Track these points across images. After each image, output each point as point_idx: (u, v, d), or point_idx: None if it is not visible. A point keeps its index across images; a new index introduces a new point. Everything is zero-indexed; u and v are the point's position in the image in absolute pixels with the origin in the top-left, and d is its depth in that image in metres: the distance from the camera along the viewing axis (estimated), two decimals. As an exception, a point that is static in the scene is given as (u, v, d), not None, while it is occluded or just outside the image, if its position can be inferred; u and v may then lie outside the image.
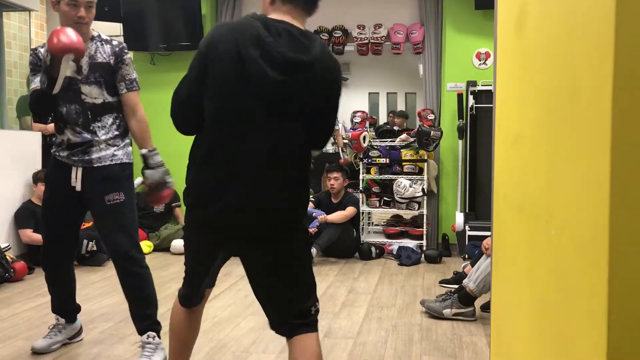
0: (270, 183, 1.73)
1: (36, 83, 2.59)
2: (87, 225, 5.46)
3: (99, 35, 2.70)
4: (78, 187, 2.66)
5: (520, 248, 1.25)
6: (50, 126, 5.47)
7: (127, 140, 2.79)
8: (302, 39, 1.72)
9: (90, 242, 5.02)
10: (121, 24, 6.13)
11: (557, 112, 0.96)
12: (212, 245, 1.86)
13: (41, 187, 4.98)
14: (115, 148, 2.68)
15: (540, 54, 1.09)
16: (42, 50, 2.67)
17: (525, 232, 1.19)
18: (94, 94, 2.64)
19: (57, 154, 2.71)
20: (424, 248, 5.66)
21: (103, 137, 2.65)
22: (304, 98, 1.73)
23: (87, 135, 2.64)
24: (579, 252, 0.83)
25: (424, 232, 5.77)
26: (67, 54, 2.35)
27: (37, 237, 4.91)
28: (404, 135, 5.92)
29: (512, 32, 1.40)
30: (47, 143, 5.42)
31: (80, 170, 2.65)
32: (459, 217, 5.57)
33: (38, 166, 5.21)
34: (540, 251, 1.06)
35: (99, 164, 2.65)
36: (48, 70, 2.45)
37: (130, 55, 2.73)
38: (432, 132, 5.55)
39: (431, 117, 5.72)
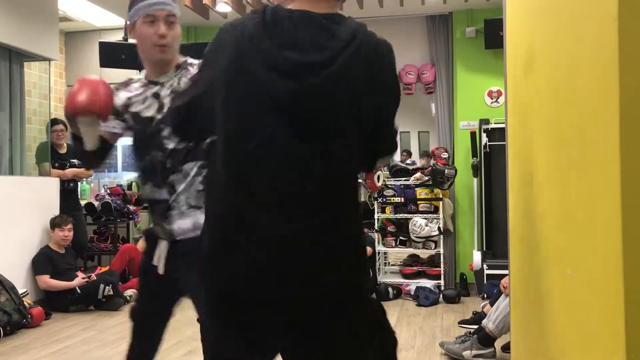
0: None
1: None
2: (103, 269, 5.49)
3: (186, 61, 2.06)
4: (160, 269, 2.00)
5: (536, 288, 1.24)
6: (68, 171, 5.57)
7: None
8: (328, 24, 1.28)
9: (107, 287, 5.02)
10: (138, 71, 6.27)
11: (566, 151, 0.97)
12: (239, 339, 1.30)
13: (58, 233, 5.03)
14: (198, 212, 1.96)
15: (547, 94, 1.10)
16: None
17: (541, 271, 1.18)
18: None
19: (152, 223, 2.15)
20: (442, 288, 5.59)
21: (182, 194, 1.98)
22: (342, 103, 1.27)
23: (165, 192, 2.00)
24: (594, 292, 0.83)
25: (442, 272, 5.71)
26: (79, 118, 1.93)
27: (54, 283, 4.93)
28: (418, 174, 5.93)
29: (520, 72, 1.42)
30: (64, 189, 5.50)
31: (165, 246, 2.01)
32: (477, 256, 5.52)
33: (55, 211, 5.27)
34: (556, 291, 1.05)
35: (182, 237, 1.98)
36: (73, 129, 2.02)
37: None
38: (446, 170, 5.55)
39: (445, 155, 5.72)
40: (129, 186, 7.02)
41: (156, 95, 2.01)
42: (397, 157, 12.55)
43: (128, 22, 2.04)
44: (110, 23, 7.06)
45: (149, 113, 2.01)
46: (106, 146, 2.09)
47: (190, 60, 2.07)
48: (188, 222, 1.96)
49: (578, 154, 0.90)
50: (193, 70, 2.01)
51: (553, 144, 1.08)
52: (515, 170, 1.52)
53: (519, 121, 1.48)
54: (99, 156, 2.09)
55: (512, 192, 1.59)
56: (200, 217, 1.79)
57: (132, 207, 6.47)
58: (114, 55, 6.05)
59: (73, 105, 1.89)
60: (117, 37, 7.06)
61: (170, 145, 1.96)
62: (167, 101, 1.98)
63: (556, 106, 1.03)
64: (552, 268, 1.07)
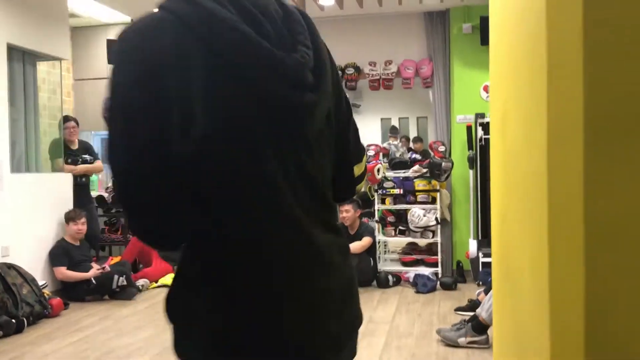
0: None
1: None
2: (116, 259, 5.75)
3: None
4: None
5: (509, 276, 1.30)
6: (80, 167, 5.80)
7: None
8: (293, 15, 1.03)
9: (121, 277, 5.28)
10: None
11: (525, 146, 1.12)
12: None
13: (73, 226, 5.27)
14: None
15: (517, 92, 1.23)
16: None
17: (510, 262, 1.29)
18: None
19: None
20: (439, 275, 5.85)
21: None
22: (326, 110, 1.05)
23: None
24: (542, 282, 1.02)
25: (439, 260, 5.97)
26: None
27: (71, 274, 5.19)
28: (416, 167, 6.16)
29: (501, 70, 1.38)
30: (77, 183, 5.73)
31: None
32: (472, 245, 5.78)
33: (69, 206, 5.51)
34: (523, 280, 1.12)
35: None
36: None
37: None
38: (443, 163, 5.79)
39: (442, 148, 5.96)
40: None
41: None
42: (397, 142, 12.79)
43: None
44: (116, 19, 7.21)
45: None
46: None
47: None
48: None
49: (528, 149, 1.04)
50: None
51: (518, 136, 1.14)
52: (495, 165, 1.62)
53: (499, 115, 1.48)
54: None
55: (493, 185, 1.71)
56: None
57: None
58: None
59: None
60: (122, 32, 7.23)
61: None
62: None
63: (525, 105, 1.03)
64: (516, 258, 1.21)
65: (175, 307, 0.98)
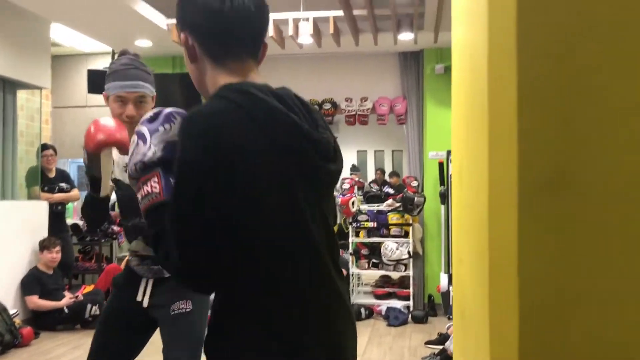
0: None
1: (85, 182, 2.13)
2: (89, 288, 5.73)
3: None
4: (145, 303, 2.13)
5: (464, 307, 1.44)
6: (57, 195, 5.81)
7: None
8: (309, 104, 1.25)
9: (94, 306, 5.27)
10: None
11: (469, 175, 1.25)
12: None
13: (47, 255, 5.27)
14: None
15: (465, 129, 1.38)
16: None
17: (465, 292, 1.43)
18: None
19: (129, 259, 2.24)
20: (411, 309, 5.95)
21: None
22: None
23: None
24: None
25: (411, 293, 6.07)
26: (106, 150, 1.94)
27: (43, 303, 5.16)
28: (390, 201, 6.30)
29: (457, 108, 1.49)
30: (53, 211, 5.74)
31: (150, 282, 2.14)
32: (444, 278, 5.90)
33: (44, 234, 5.50)
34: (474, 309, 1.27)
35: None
36: (89, 171, 2.00)
37: None
38: (415, 198, 5.94)
39: (414, 183, 6.12)
40: (113, 207, 7.25)
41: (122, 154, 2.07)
42: (371, 175, 12.98)
43: (105, 92, 2.10)
44: (97, 49, 7.31)
45: (117, 174, 2.12)
46: (107, 201, 2.11)
47: None
48: None
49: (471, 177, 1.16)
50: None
51: (467, 167, 1.31)
52: (454, 208, 1.73)
53: (457, 164, 1.63)
54: (105, 210, 2.14)
55: (453, 225, 1.81)
56: None
57: (116, 228, 6.71)
58: (101, 82, 6.29)
59: (97, 137, 1.88)
60: (103, 62, 7.33)
61: None
62: None
63: (473, 161, 1.10)
64: (468, 300, 1.32)
65: (221, 350, 1.14)
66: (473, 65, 1.12)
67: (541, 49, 0.84)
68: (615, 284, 0.84)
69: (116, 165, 2.13)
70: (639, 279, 0.85)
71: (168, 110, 1.19)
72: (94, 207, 2.09)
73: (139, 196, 1.15)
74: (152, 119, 1.18)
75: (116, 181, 2.14)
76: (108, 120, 1.93)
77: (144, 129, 1.17)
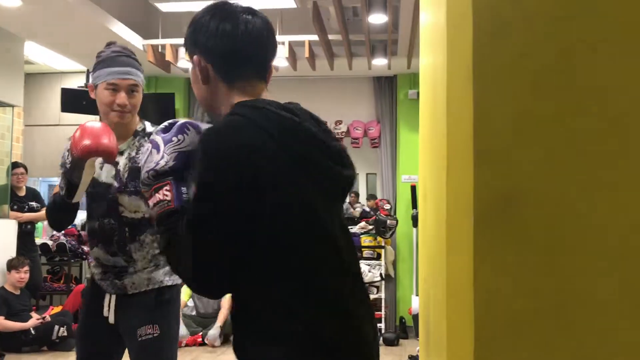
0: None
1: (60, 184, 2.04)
2: (57, 309, 5.63)
3: (144, 129, 2.07)
4: (111, 319, 2.07)
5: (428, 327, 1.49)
6: (26, 215, 5.73)
7: None
8: (314, 115, 1.32)
9: (62, 328, 5.17)
10: (98, 117, 6.50)
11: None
12: None
13: (15, 275, 5.17)
14: (152, 269, 2.06)
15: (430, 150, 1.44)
16: None
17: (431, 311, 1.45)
18: (133, 206, 2.01)
19: (93, 272, 2.15)
20: (382, 331, 5.96)
21: (140, 262, 2.04)
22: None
23: (120, 259, 2.04)
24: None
25: (382, 315, 6.09)
26: (91, 159, 1.86)
27: (9, 324, 5.05)
28: (362, 223, 6.34)
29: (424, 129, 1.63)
30: (22, 230, 5.65)
31: (113, 298, 2.07)
32: (415, 301, 5.93)
33: (12, 253, 5.41)
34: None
35: (134, 291, 2.05)
36: (68, 174, 1.91)
37: None
38: (388, 221, 6.00)
39: (387, 206, 6.18)
40: (83, 227, 7.16)
41: (115, 163, 2.01)
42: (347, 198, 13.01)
43: (90, 83, 2.02)
44: (71, 67, 7.28)
45: (106, 179, 2.03)
46: (77, 206, 2.05)
47: (149, 128, 2.08)
48: (143, 277, 2.03)
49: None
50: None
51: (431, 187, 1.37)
52: (420, 229, 1.78)
53: (422, 186, 1.70)
54: (73, 214, 2.07)
55: (420, 237, 1.85)
56: (155, 274, 2.03)
57: (86, 248, 6.62)
58: (75, 100, 6.27)
59: (85, 144, 1.81)
60: (77, 81, 7.29)
61: (127, 214, 2.01)
62: (123, 169, 2.01)
63: (434, 188, 1.14)
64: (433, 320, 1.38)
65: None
66: (435, 91, 1.18)
67: (496, 75, 0.90)
68: (566, 299, 0.89)
69: (97, 166, 2.02)
70: (590, 294, 0.89)
71: (182, 121, 1.23)
72: (64, 210, 2.02)
73: (150, 203, 1.20)
74: (166, 129, 1.22)
75: (93, 178, 2.01)
76: (95, 125, 1.85)
77: (158, 139, 1.22)
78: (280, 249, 1.11)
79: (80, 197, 1.97)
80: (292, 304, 1.11)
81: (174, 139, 1.19)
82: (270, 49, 1.29)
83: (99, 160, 2.01)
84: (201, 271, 1.10)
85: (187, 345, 5.43)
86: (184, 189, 1.17)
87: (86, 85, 6.38)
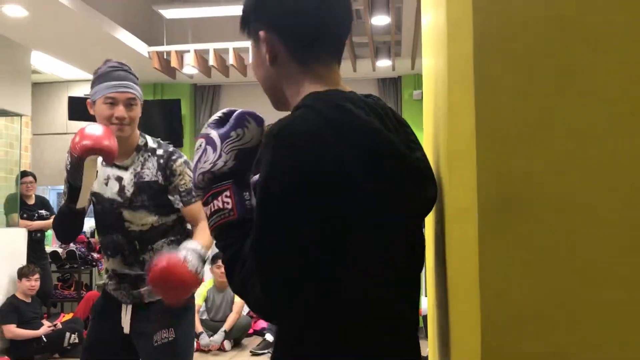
0: None
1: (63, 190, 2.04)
2: (68, 317, 5.66)
3: (146, 144, 2.09)
4: (126, 329, 2.08)
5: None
6: (36, 223, 5.77)
7: None
8: (403, 120, 1.14)
9: (73, 335, 5.20)
10: (105, 124, 6.55)
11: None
12: None
13: (25, 283, 5.20)
14: None
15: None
16: None
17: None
18: (139, 219, 2.03)
19: (106, 284, 2.15)
20: (392, 332, 5.94)
21: None
22: None
23: (136, 269, 2.05)
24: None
25: (392, 317, 6.07)
26: (90, 156, 1.83)
27: (21, 332, 5.09)
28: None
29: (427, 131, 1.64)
30: (32, 239, 5.69)
31: (129, 308, 2.07)
32: (425, 302, 5.92)
33: (23, 261, 5.44)
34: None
35: (150, 299, 2.06)
36: (70, 176, 1.90)
37: (182, 159, 2.07)
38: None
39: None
40: (92, 233, 7.20)
41: (119, 179, 2.04)
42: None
43: (89, 99, 2.03)
44: (77, 75, 7.33)
45: (110, 195, 2.05)
46: (83, 215, 2.03)
47: (150, 143, 2.09)
48: None
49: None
50: (152, 157, 2.03)
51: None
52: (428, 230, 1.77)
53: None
54: (80, 224, 2.05)
55: (427, 237, 1.84)
56: None
57: (95, 255, 6.66)
58: (82, 109, 6.29)
59: (83, 142, 1.80)
60: (83, 89, 7.34)
61: (134, 228, 2.03)
62: (128, 185, 2.03)
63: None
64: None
65: None
66: (437, 91, 1.18)
67: (498, 75, 0.90)
68: (573, 299, 0.89)
69: (97, 178, 2.01)
70: (598, 296, 0.89)
71: (239, 111, 1.05)
72: (69, 219, 1.99)
73: (206, 211, 1.02)
74: (221, 121, 1.04)
75: (95, 194, 2.07)
76: (95, 127, 1.85)
77: (214, 134, 1.02)
78: (356, 276, 0.95)
79: (84, 202, 1.94)
80: (358, 332, 0.97)
81: (233, 134, 1.01)
82: (350, 22, 1.09)
83: (105, 175, 2.05)
84: (270, 296, 0.93)
85: (196, 350, 5.45)
86: (246, 195, 1.00)
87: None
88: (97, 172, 1.97)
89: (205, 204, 1.02)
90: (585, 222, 0.88)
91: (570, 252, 0.89)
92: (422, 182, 1.02)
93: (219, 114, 1.06)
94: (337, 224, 0.91)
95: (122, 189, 2.04)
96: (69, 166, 1.89)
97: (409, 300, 1.05)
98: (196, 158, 1.03)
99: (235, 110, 1.04)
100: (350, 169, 0.91)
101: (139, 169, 2.05)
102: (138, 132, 2.08)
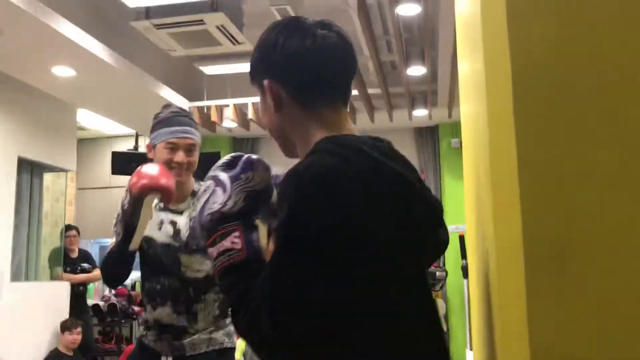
0: None
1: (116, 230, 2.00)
2: None
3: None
4: None
5: None
6: (79, 276, 5.86)
7: (229, 320, 2.08)
8: (408, 161, 1.11)
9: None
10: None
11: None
12: None
13: (68, 336, 5.25)
14: (213, 330, 2.04)
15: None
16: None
17: None
18: (197, 264, 2.00)
19: (144, 335, 2.09)
20: (437, 388, 5.75)
21: (202, 322, 2.02)
22: None
23: (184, 320, 2.01)
24: None
25: (436, 371, 5.88)
26: (150, 195, 1.84)
27: (62, 386, 5.11)
28: (411, 275, 6.22)
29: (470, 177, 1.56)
30: (74, 292, 5.77)
31: None
32: (469, 356, 5.72)
33: (65, 315, 5.51)
34: None
35: (193, 352, 2.01)
36: (126, 216, 1.89)
37: None
38: (437, 272, 5.87)
39: (435, 258, 6.07)
40: (133, 286, 7.26)
41: (173, 223, 2.03)
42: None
43: (149, 143, 2.05)
44: (120, 131, 7.55)
45: (165, 239, 2.02)
46: (133, 257, 2.01)
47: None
48: (203, 338, 2.00)
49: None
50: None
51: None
52: (470, 263, 1.71)
53: (469, 222, 1.66)
54: (130, 266, 2.00)
55: (471, 289, 1.78)
56: (215, 334, 2.01)
57: (136, 308, 6.69)
58: (125, 163, 6.49)
59: (142, 180, 1.81)
60: (126, 145, 7.55)
61: (189, 274, 2.00)
62: (184, 229, 2.01)
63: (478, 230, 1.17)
64: None
65: None
66: (477, 139, 1.16)
67: (538, 118, 0.88)
68: (626, 350, 0.83)
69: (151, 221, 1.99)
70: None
71: (247, 155, 1.07)
72: (120, 260, 1.95)
73: (213, 251, 1.01)
74: (230, 165, 1.05)
75: (148, 238, 2.03)
76: (152, 167, 1.87)
77: (223, 176, 1.03)
78: (370, 314, 0.94)
79: (137, 243, 1.93)
80: None
81: (243, 176, 1.02)
82: (353, 66, 1.10)
83: (158, 219, 2.03)
84: (279, 337, 0.92)
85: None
86: (254, 236, 1.00)
87: (135, 149, 6.60)
88: (151, 212, 1.95)
89: (211, 244, 1.01)
90: (636, 270, 0.84)
91: (623, 299, 0.84)
92: (437, 220, 1.06)
93: (227, 157, 1.07)
94: (357, 257, 0.92)
95: (177, 233, 2.02)
96: (126, 205, 1.88)
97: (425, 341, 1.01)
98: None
99: (242, 155, 1.07)
100: (369, 204, 0.93)
101: (194, 214, 1.99)
102: (193, 178, 2.09)
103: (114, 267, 2.00)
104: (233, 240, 0.99)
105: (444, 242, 1.08)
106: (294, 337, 0.93)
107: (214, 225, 1.01)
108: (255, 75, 1.10)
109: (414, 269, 1.01)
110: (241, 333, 0.98)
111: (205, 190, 1.05)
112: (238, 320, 0.96)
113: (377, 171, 0.96)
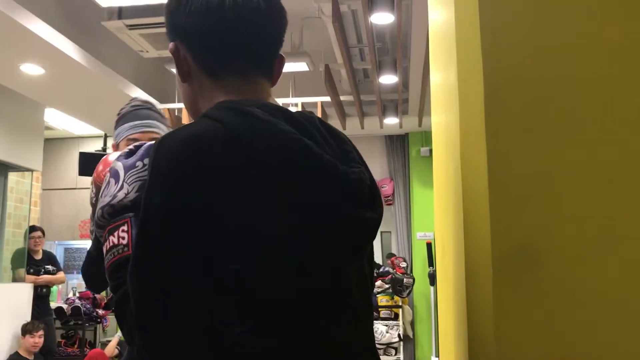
0: None
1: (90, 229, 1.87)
2: None
3: None
4: None
5: None
6: (43, 277, 5.74)
7: None
8: (338, 133, 0.97)
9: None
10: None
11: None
12: None
13: (29, 339, 5.13)
14: None
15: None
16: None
17: None
18: None
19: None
20: (402, 394, 5.79)
21: None
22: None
23: None
24: None
25: (402, 378, 5.93)
26: None
27: (22, 391, 4.99)
28: (378, 282, 6.27)
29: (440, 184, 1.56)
30: (37, 294, 5.64)
31: None
32: (434, 362, 5.78)
33: (27, 317, 5.38)
34: None
35: None
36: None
37: None
38: (404, 279, 5.92)
39: (403, 264, 6.12)
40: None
41: None
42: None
43: (114, 142, 1.93)
44: (88, 132, 7.44)
45: None
46: None
47: None
48: None
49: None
50: None
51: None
52: (439, 270, 1.73)
53: (437, 229, 1.69)
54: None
55: (439, 295, 1.81)
56: None
57: (101, 311, 6.58)
58: (92, 164, 6.28)
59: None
60: (94, 145, 7.45)
61: None
62: None
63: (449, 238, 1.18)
64: None
65: None
66: (448, 148, 1.19)
67: (509, 129, 0.90)
68: (592, 352, 0.86)
69: None
70: (618, 350, 0.87)
71: (152, 142, 0.88)
72: (98, 261, 1.71)
73: (103, 250, 0.87)
74: (129, 153, 0.91)
75: None
76: (118, 154, 1.70)
77: (119, 165, 0.89)
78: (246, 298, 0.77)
79: None
80: None
81: (139, 163, 0.88)
82: (275, 30, 0.93)
83: None
84: (151, 347, 0.76)
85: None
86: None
87: (103, 150, 6.51)
88: None
89: (103, 242, 0.87)
90: (603, 270, 0.87)
91: (590, 303, 0.87)
92: (357, 198, 0.86)
93: (131, 146, 0.93)
94: (230, 242, 0.75)
95: None
96: (94, 198, 1.80)
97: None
98: (100, 194, 0.90)
99: (147, 142, 0.92)
100: (247, 179, 0.76)
101: None
102: None
103: (96, 269, 1.85)
104: (120, 235, 0.84)
105: (372, 221, 0.89)
106: (170, 349, 0.76)
107: (106, 222, 0.87)
108: (167, 36, 0.95)
109: (318, 260, 0.82)
110: (126, 341, 0.83)
111: (103, 184, 0.91)
112: (122, 327, 0.82)
113: (264, 138, 0.79)
